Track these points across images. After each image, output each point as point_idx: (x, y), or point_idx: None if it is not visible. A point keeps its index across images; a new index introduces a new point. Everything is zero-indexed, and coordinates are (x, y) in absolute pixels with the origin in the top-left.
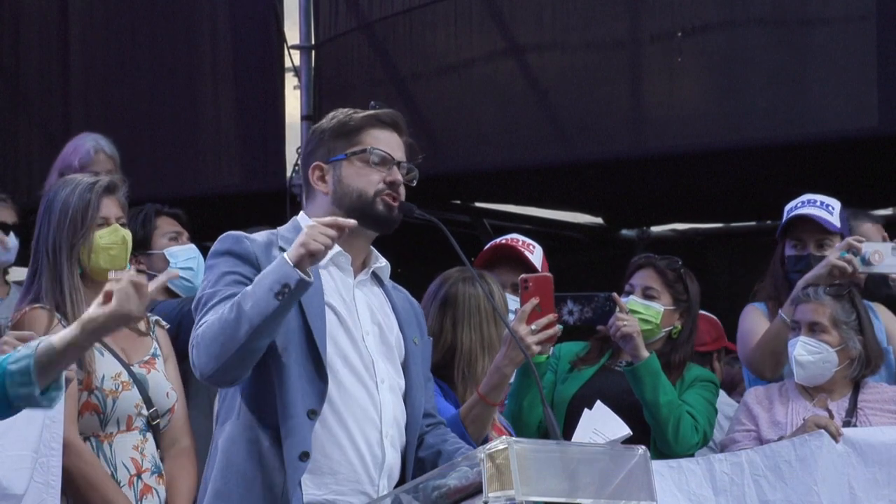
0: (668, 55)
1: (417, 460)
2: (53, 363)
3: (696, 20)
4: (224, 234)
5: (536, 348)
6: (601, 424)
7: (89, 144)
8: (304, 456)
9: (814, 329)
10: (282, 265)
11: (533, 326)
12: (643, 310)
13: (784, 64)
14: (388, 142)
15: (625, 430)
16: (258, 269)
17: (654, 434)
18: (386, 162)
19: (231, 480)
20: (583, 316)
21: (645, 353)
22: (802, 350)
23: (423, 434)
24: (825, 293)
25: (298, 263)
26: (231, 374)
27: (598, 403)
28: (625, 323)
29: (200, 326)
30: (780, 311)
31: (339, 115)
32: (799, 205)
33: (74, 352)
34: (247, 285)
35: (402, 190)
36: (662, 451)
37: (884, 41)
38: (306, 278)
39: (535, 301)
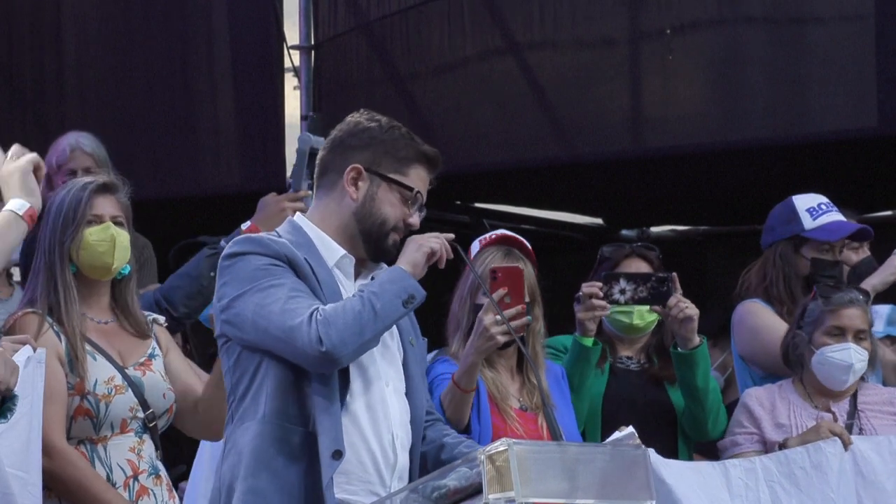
0: (666, 55)
1: (419, 454)
2: None
3: (695, 19)
4: (241, 237)
5: (501, 338)
6: None
7: (66, 142)
8: (337, 454)
9: (859, 336)
10: (403, 277)
11: (497, 317)
12: None
13: (783, 64)
14: (425, 184)
15: (626, 430)
16: (289, 265)
17: (691, 420)
18: (416, 203)
19: (264, 478)
20: (636, 295)
21: (697, 338)
22: (856, 357)
23: (423, 429)
24: (862, 299)
25: (415, 270)
26: (351, 358)
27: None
28: (686, 305)
29: (311, 312)
30: None
31: (395, 128)
32: (821, 209)
33: None
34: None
35: None
36: (695, 437)
37: (883, 41)
38: (423, 293)
39: (502, 291)
